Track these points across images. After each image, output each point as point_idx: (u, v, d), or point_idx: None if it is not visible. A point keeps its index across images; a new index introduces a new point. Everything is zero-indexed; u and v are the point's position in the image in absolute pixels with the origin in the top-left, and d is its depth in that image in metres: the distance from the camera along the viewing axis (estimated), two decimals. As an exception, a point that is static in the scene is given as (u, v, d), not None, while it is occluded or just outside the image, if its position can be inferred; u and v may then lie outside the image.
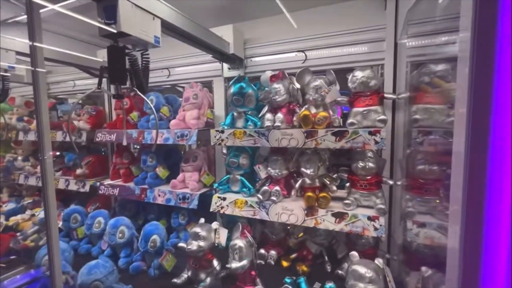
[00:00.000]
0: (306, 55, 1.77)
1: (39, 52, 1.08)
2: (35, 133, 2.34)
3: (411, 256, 1.33)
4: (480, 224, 0.56)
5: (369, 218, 1.34)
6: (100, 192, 2.13)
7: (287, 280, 1.35)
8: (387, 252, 1.53)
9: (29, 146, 2.79)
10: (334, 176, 1.58)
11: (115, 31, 1.00)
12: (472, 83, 0.57)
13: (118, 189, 2.07)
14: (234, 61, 1.92)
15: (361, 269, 1.10)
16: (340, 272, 1.47)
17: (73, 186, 2.31)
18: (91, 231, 1.81)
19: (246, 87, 1.63)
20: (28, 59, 1.08)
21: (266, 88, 1.65)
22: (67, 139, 2.29)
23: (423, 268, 1.08)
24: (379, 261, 1.17)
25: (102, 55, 2.16)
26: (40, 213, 2.33)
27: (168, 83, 2.22)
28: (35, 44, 1.06)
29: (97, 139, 2.11)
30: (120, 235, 1.66)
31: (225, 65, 1.97)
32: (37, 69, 1.07)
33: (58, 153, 2.73)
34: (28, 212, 2.41)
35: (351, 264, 1.16)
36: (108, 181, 2.17)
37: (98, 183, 2.15)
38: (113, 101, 2.34)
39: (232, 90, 1.65)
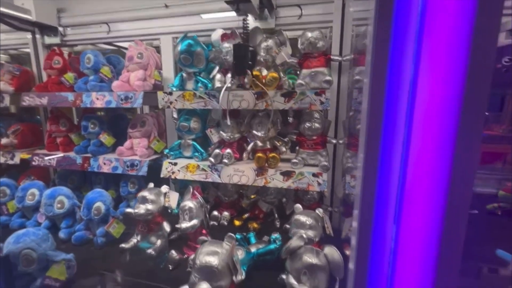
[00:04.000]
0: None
1: None
2: None
3: (349, 207, 1.48)
4: (375, 174, 0.66)
5: (314, 175, 1.43)
6: (33, 163, 1.91)
7: (238, 236, 1.41)
8: (330, 205, 1.68)
9: None
10: (286, 139, 1.63)
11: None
12: (374, 53, 0.62)
13: (55, 159, 1.87)
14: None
15: (303, 218, 1.19)
16: (287, 226, 1.58)
17: (-1, 158, 2.02)
18: (23, 204, 1.63)
19: (194, 45, 1.53)
20: None
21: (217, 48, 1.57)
22: (-14, 103, 1.95)
23: (355, 213, 1.21)
24: (319, 211, 1.27)
25: (21, 2, 1.81)
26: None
27: (108, 39, 1.97)
28: None
29: (23, 104, 1.83)
30: (59, 205, 1.53)
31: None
32: None
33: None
34: None
35: (294, 215, 1.24)
36: (43, 152, 1.94)
37: (30, 154, 1.91)
38: (42, 60, 2.02)
39: (179, 48, 1.54)
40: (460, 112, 0.60)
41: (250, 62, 1.31)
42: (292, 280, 0.94)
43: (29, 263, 1.07)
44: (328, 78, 1.38)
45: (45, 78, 2.02)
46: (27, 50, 2.17)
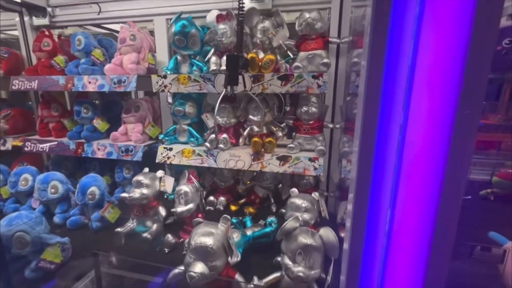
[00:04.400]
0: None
1: None
2: None
3: (344, 191, 1.48)
4: (370, 158, 0.67)
5: (310, 160, 1.42)
6: (26, 149, 1.87)
7: (233, 220, 1.41)
8: (326, 190, 1.68)
9: None
10: (282, 125, 1.62)
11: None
12: (372, 35, 0.61)
13: (48, 145, 1.84)
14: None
15: (298, 201, 1.19)
16: (283, 210, 1.58)
17: (-10, 144, 1.97)
18: (16, 189, 1.61)
19: (189, 26, 1.48)
20: None
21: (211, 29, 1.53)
22: (-26, 87, 1.89)
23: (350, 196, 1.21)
24: (315, 194, 1.28)
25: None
26: None
27: (98, 21, 1.90)
28: None
29: (13, 87, 1.78)
30: (53, 190, 1.51)
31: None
32: None
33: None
34: None
35: (290, 198, 1.24)
36: (35, 137, 1.91)
37: (22, 141, 1.87)
38: (31, 43, 1.95)
39: (173, 29, 1.49)
40: (459, 99, 0.59)
41: (243, 70, 1.29)
42: (287, 261, 0.95)
43: (22, 246, 1.06)
44: (325, 60, 1.35)
45: (34, 62, 1.96)
46: (15, 32, 2.09)
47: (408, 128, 0.65)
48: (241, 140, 1.60)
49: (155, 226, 1.40)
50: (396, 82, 0.65)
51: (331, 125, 1.50)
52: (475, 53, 0.56)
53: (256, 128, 1.55)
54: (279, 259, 1.08)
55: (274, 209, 1.66)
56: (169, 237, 1.32)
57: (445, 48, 0.60)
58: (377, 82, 0.65)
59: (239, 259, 1.15)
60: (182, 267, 0.98)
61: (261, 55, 1.46)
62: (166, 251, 1.32)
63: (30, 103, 2.35)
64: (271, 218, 1.34)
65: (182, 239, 1.38)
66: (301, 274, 0.89)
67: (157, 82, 1.55)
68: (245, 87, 1.34)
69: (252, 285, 0.97)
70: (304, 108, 1.45)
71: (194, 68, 1.56)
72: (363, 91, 0.66)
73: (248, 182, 1.76)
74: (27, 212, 1.13)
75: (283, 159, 1.46)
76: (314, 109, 1.45)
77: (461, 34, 0.57)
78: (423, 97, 0.63)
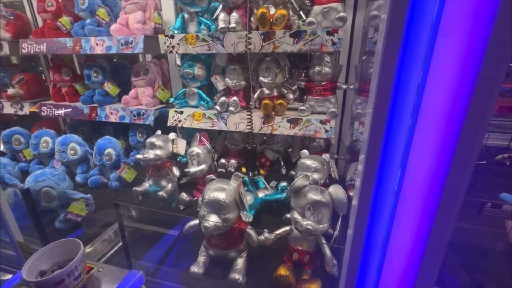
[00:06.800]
0: None
1: None
2: None
3: (355, 154, 1.48)
4: (384, 118, 0.64)
5: (321, 122, 1.40)
6: (42, 114, 1.93)
7: (246, 179, 1.46)
8: (336, 153, 1.68)
9: None
10: (294, 87, 1.57)
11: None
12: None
13: (63, 109, 1.88)
14: None
15: (308, 161, 1.21)
16: (293, 172, 1.61)
17: (9, 109, 2.04)
18: (38, 151, 1.69)
19: (195, -22, 1.39)
20: None
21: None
22: (-15, 52, 1.90)
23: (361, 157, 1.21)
24: (325, 156, 1.28)
25: None
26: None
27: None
28: None
29: (23, 51, 1.78)
30: (72, 152, 1.59)
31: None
32: None
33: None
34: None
35: (300, 159, 1.26)
36: (50, 102, 1.95)
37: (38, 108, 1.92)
38: (35, 3, 1.89)
39: (179, -18, 1.40)
40: (483, 60, 0.54)
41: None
42: (297, 215, 0.99)
43: (50, 200, 1.15)
44: (342, 14, 1.26)
45: (40, 24, 1.92)
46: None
47: (426, 89, 0.62)
48: (251, 103, 1.58)
49: (169, 186, 1.47)
50: (417, 39, 0.60)
51: (344, 86, 1.44)
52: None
53: (266, 91, 1.52)
54: (288, 215, 1.13)
55: (284, 171, 1.69)
56: (184, 195, 1.39)
57: (473, 3, 0.54)
58: (397, 37, 0.60)
59: (250, 219, 1.21)
60: (197, 220, 1.04)
61: (272, 10, 1.37)
62: (181, 208, 1.39)
63: (41, 68, 2.37)
64: (284, 184, 1.36)
65: (195, 198, 1.45)
66: (309, 227, 0.93)
67: (164, 43, 1.51)
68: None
69: (263, 237, 1.03)
70: (317, 68, 1.39)
71: (202, 26, 1.50)
72: (382, 47, 0.61)
73: (258, 146, 1.78)
74: (51, 170, 1.20)
75: (294, 121, 1.45)
76: (327, 69, 1.39)
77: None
78: (444, 56, 0.59)
